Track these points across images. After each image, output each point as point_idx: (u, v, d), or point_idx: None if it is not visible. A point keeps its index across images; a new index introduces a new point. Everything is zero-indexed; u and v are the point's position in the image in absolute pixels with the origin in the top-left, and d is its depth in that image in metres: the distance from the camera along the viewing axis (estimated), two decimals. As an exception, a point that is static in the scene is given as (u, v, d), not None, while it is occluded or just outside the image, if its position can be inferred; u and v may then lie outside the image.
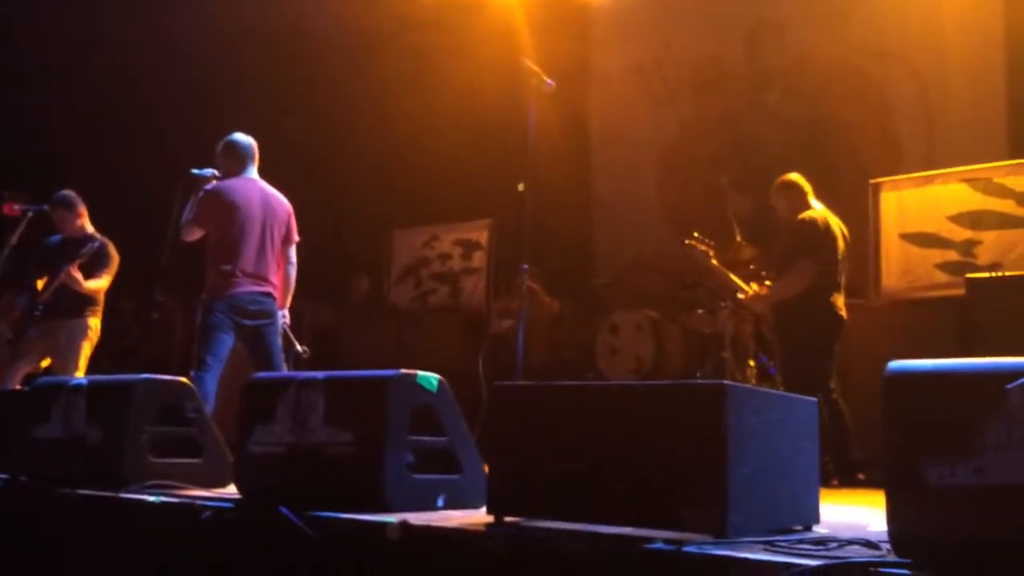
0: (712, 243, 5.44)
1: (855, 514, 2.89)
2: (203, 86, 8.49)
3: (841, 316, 4.87)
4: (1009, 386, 1.53)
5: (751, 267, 5.85)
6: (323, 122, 8.41)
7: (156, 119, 8.52)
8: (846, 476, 4.62)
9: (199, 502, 2.71)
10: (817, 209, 4.97)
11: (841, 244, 4.93)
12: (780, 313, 5.02)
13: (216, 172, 4.77)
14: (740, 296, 5.24)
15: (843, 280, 4.94)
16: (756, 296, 5.13)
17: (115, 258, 5.49)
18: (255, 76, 8.46)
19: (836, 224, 4.97)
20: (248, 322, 4.50)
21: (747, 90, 7.72)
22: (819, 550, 1.77)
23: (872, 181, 6.09)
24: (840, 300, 4.89)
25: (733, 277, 5.30)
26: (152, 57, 8.39)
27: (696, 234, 5.48)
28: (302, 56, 8.42)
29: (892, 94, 6.99)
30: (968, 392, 1.59)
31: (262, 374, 3.34)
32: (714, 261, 5.36)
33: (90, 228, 5.58)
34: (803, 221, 4.91)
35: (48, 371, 5.32)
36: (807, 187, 5.08)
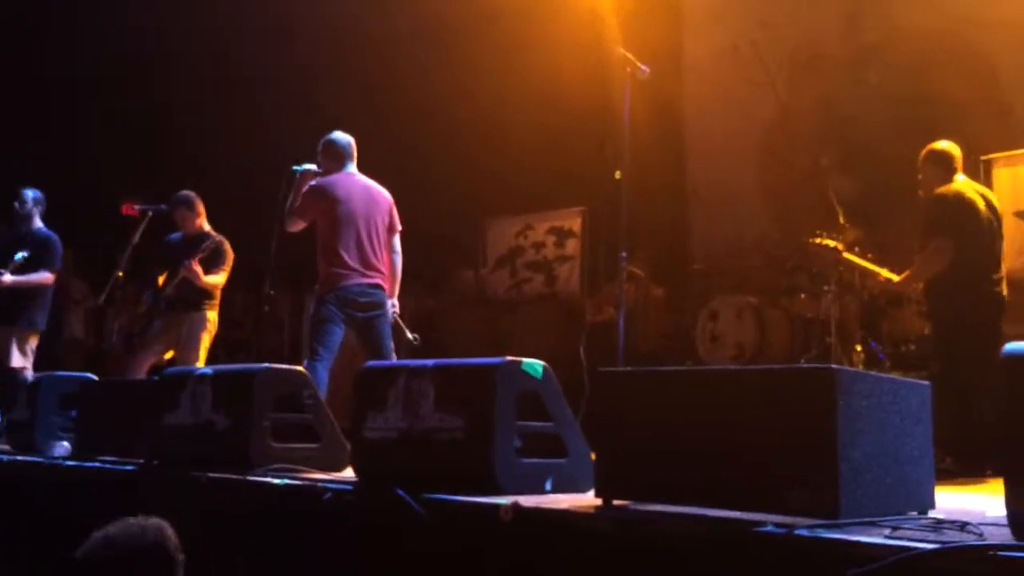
0: (838, 236, 5.31)
1: (974, 501, 2.83)
2: (300, 84, 8.77)
3: (998, 294, 4.48)
4: None
5: (855, 249, 5.73)
6: (414, 113, 8.56)
7: (259, 117, 8.86)
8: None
9: (320, 484, 2.85)
10: (958, 182, 4.62)
11: (986, 216, 4.54)
12: (930, 295, 4.70)
13: (315, 167, 4.96)
14: (882, 281, 5.00)
15: (995, 256, 4.55)
16: (892, 282, 4.89)
17: (231, 255, 5.77)
18: (348, 72, 8.69)
19: (978, 196, 4.60)
20: (359, 314, 4.68)
21: (847, 68, 7.50)
22: (933, 534, 1.76)
23: (984, 157, 5.87)
24: (995, 276, 4.49)
25: (869, 265, 5.09)
26: (251, 60, 8.73)
27: (818, 231, 5.35)
28: (393, 50, 8.60)
29: (1003, 66, 6.69)
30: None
31: (374, 363, 3.47)
32: (845, 255, 5.20)
33: (207, 226, 5.87)
34: (936, 197, 4.58)
35: (171, 362, 5.62)
36: (952, 157, 4.68)
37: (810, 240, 5.34)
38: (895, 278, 4.90)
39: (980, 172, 5.80)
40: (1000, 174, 5.79)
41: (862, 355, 5.49)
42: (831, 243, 5.25)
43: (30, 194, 5.97)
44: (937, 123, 6.91)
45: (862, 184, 6.76)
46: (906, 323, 5.75)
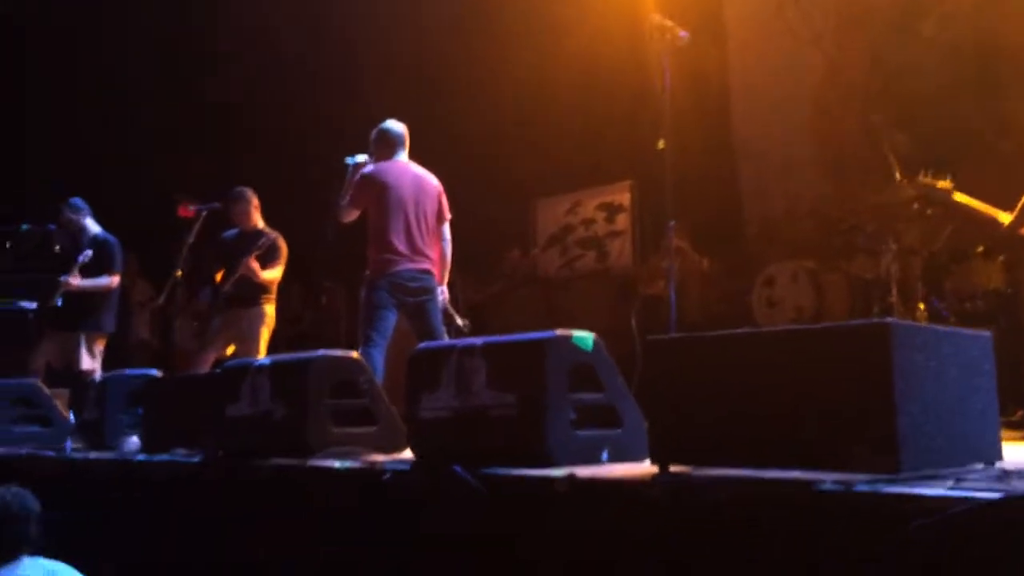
0: (947, 175, 4.90)
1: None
2: (346, 73, 8.83)
3: None
4: None
5: (914, 207, 5.57)
6: (456, 98, 8.55)
7: (308, 109, 8.96)
8: None
9: (379, 465, 2.89)
10: None
11: None
12: None
13: (367, 157, 5.00)
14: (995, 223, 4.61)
15: None
16: (1003, 226, 4.54)
17: (285, 250, 5.87)
18: (392, 60, 8.72)
19: None
20: (410, 299, 4.72)
21: (898, 20, 7.26)
22: (998, 484, 1.71)
23: (1044, 104, 5.64)
24: None
25: (982, 206, 4.72)
26: (298, 52, 8.82)
27: (925, 170, 4.99)
28: (435, 34, 8.59)
29: (1064, 8, 6.40)
30: None
31: (426, 344, 3.50)
32: (957, 195, 4.82)
33: (262, 222, 5.97)
34: None
35: (233, 357, 5.74)
36: None
37: (919, 179, 4.96)
38: (1008, 220, 4.55)
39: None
40: (1063, 119, 5.55)
41: (925, 313, 5.34)
42: (941, 183, 4.87)
43: (67, 208, 6.11)
44: (994, 73, 6.67)
45: (917, 139, 6.56)
46: (972, 279, 5.57)
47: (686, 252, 6.76)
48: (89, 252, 5.88)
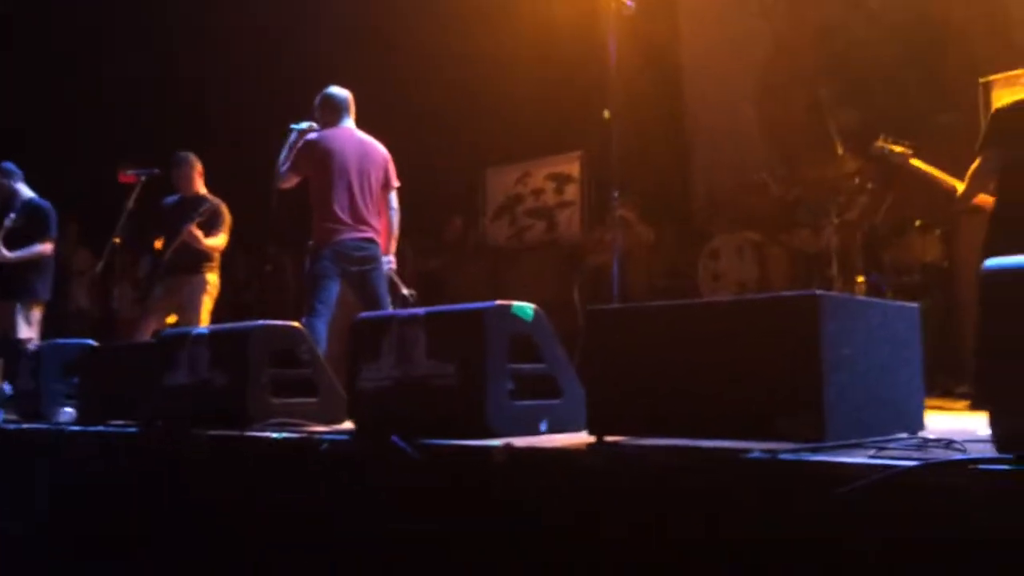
0: (907, 142, 4.74)
1: (970, 423, 2.82)
2: (296, 38, 8.66)
3: None
4: None
5: (855, 180, 5.66)
6: (407, 65, 8.44)
7: (256, 74, 8.77)
8: None
9: (317, 436, 2.87)
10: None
11: None
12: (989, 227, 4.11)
13: (313, 124, 4.92)
14: (948, 191, 4.41)
15: None
16: (956, 195, 4.32)
17: (228, 217, 5.76)
18: (343, 28, 8.57)
19: None
20: (354, 268, 4.67)
21: (847, -4, 7.34)
22: (917, 452, 1.76)
23: (983, 80, 5.76)
24: None
25: (938, 173, 4.52)
26: (245, 17, 8.61)
27: (883, 135, 4.80)
28: (387, 1, 8.46)
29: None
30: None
31: (367, 314, 3.47)
32: (913, 161, 4.65)
33: (204, 189, 5.85)
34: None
35: (174, 326, 5.65)
36: None
37: (877, 144, 4.79)
38: (960, 190, 4.35)
39: (980, 95, 5.70)
40: (1000, 96, 5.68)
41: (864, 287, 5.46)
42: (899, 148, 4.72)
43: None
44: (939, 47, 6.77)
45: (865, 114, 6.66)
46: (909, 252, 5.71)
47: (632, 224, 6.80)
48: (13, 215, 5.72)
